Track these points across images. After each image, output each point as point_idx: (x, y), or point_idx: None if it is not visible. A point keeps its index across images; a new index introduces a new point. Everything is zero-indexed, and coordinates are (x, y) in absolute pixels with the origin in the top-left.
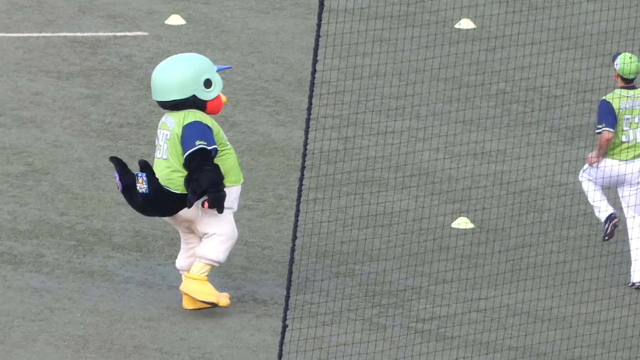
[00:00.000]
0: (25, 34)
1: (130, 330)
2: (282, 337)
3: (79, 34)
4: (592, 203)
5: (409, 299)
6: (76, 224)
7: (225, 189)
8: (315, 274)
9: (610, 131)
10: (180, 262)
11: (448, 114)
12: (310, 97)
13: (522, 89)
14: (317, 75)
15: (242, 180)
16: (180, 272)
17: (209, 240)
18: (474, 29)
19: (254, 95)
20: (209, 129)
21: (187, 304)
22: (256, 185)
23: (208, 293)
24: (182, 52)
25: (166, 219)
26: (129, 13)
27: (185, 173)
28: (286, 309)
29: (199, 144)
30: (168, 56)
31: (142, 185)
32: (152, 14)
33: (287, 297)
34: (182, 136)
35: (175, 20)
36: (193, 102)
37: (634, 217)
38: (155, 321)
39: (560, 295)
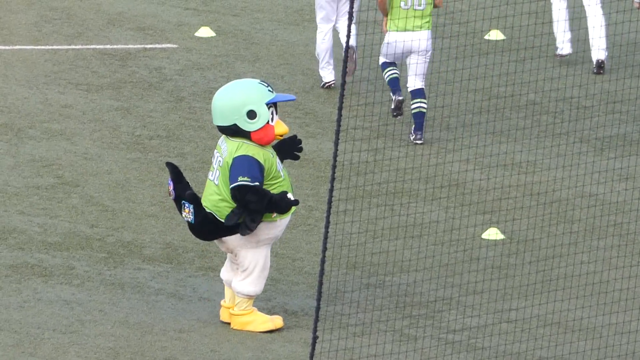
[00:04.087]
0: (55, 47)
1: (161, 342)
2: (313, 349)
3: (108, 47)
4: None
5: (439, 310)
6: (106, 236)
7: (274, 222)
8: (346, 285)
9: None
10: (225, 274)
11: (478, 125)
12: (340, 108)
13: (552, 100)
14: (346, 86)
15: (293, 210)
16: (225, 283)
17: (242, 275)
18: (504, 40)
19: (284, 107)
20: (257, 164)
21: (224, 317)
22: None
23: (262, 322)
24: (211, 64)
25: None
26: (159, 25)
27: (232, 204)
28: (316, 320)
29: (240, 180)
30: (197, 68)
31: (188, 215)
32: (182, 26)
33: (318, 308)
34: (230, 167)
35: (205, 32)
36: (236, 131)
37: (414, 81)
38: (186, 333)
39: (591, 305)
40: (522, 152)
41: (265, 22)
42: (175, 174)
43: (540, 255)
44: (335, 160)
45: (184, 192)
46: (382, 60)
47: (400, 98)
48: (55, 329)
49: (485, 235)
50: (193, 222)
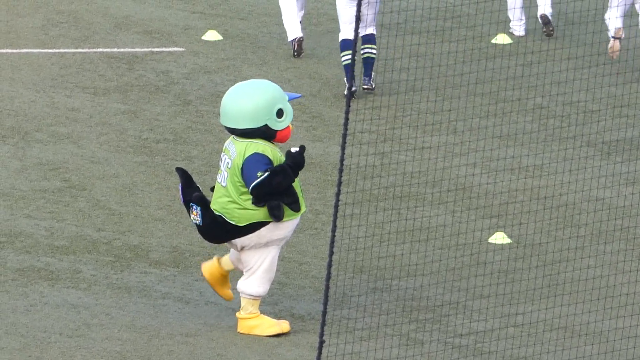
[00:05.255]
0: (62, 50)
1: (167, 346)
2: (320, 353)
3: (115, 50)
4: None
5: (446, 314)
6: (113, 240)
7: (283, 223)
8: (352, 290)
9: None
10: (232, 254)
11: (485, 129)
12: (347, 112)
13: (558, 103)
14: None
15: (303, 210)
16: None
17: (246, 275)
18: (511, 44)
19: None
20: (269, 160)
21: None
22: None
23: (269, 326)
24: (218, 68)
25: None
26: (166, 29)
27: (239, 205)
28: (323, 324)
29: (260, 176)
30: (205, 72)
31: (195, 218)
32: (189, 30)
33: (324, 312)
34: (243, 169)
35: (212, 35)
36: (264, 132)
37: (365, 27)
38: (192, 337)
39: (598, 310)
40: (529, 156)
41: (272, 25)
42: (185, 178)
43: (547, 260)
44: (342, 164)
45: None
46: (341, 36)
47: (354, 89)
48: (62, 332)
49: (491, 240)
50: (201, 224)
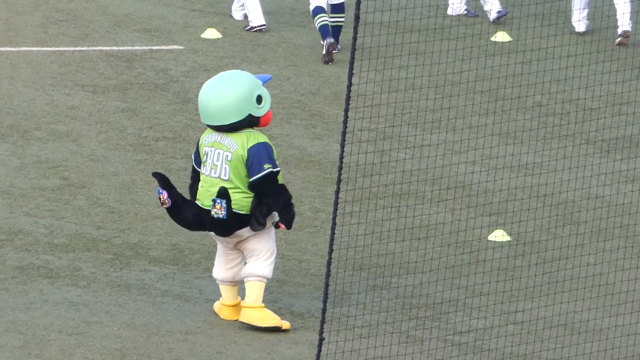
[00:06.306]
0: (61, 48)
1: (167, 343)
2: (319, 350)
3: (114, 48)
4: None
5: (445, 312)
6: (112, 238)
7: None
8: (352, 287)
9: None
10: (221, 274)
11: (484, 127)
12: (346, 110)
13: (558, 101)
14: (353, 88)
15: None
16: (217, 282)
17: (253, 259)
18: (510, 41)
19: (290, 109)
20: (272, 149)
21: (228, 314)
22: (293, 199)
23: (269, 318)
24: (218, 66)
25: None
26: (165, 27)
27: (247, 194)
28: (323, 321)
29: (267, 168)
30: (204, 70)
31: (219, 212)
32: (188, 28)
33: (324, 310)
34: (248, 159)
35: (211, 34)
36: (249, 121)
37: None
38: (192, 334)
39: (597, 307)
40: (529, 154)
41: (271, 23)
42: (165, 182)
43: (547, 257)
44: (341, 162)
45: (180, 198)
46: (312, 5)
47: (331, 40)
48: (62, 330)
49: (491, 237)
50: (225, 217)
